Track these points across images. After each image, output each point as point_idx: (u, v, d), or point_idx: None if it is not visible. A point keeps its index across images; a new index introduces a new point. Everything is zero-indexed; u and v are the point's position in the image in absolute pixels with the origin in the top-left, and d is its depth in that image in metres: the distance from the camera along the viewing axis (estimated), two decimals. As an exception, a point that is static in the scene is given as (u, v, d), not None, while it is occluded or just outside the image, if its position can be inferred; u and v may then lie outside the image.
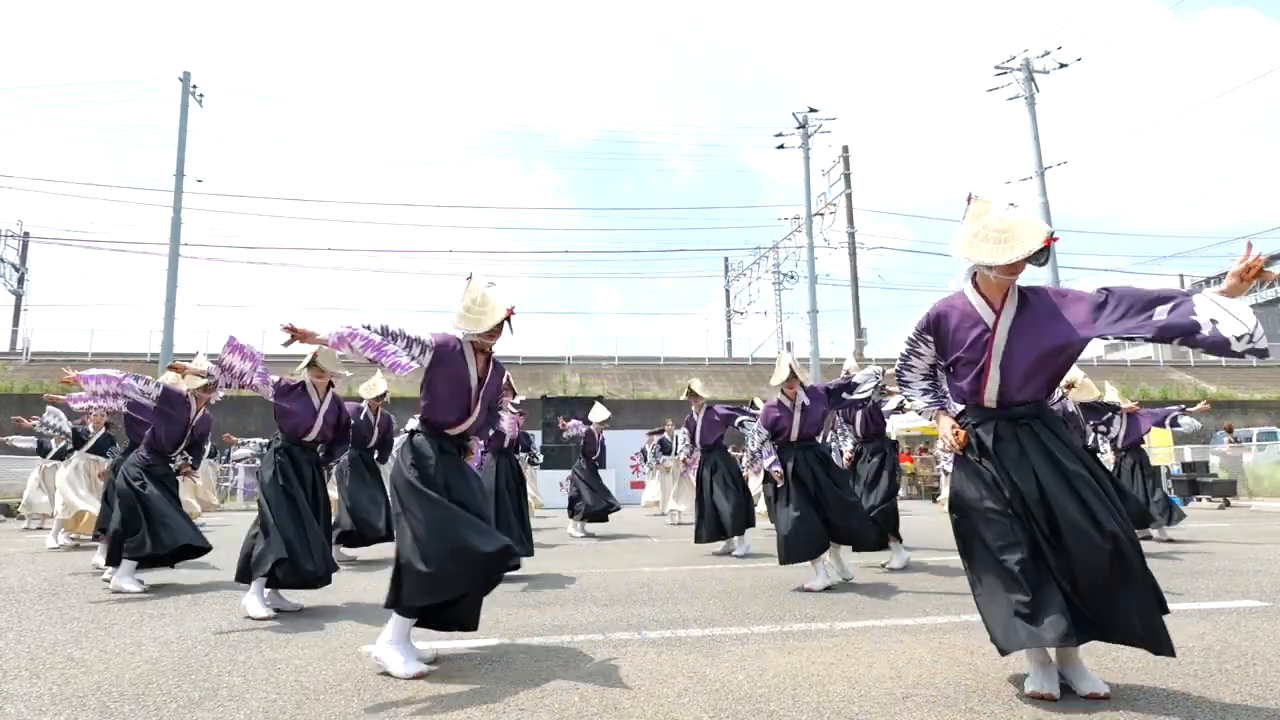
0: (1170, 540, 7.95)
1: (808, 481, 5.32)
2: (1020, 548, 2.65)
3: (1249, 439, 20.36)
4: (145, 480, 5.46)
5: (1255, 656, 3.15)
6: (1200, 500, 14.22)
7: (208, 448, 5.61)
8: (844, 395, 5.59)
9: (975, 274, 2.88)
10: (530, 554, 6.30)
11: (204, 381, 5.41)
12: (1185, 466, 14.56)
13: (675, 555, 7.34)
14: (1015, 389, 2.81)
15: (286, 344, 3.36)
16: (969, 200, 2.91)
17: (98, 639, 3.76)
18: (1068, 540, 2.60)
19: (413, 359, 3.27)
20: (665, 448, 12.86)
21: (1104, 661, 3.06)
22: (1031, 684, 2.66)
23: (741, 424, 6.84)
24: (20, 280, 32.56)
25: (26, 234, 32.52)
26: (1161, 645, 2.50)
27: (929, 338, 3.02)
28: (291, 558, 4.31)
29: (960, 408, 3.01)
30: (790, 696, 2.69)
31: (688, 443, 8.17)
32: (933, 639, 3.55)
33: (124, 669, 3.17)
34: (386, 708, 2.64)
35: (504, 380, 3.78)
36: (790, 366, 5.43)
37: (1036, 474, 2.72)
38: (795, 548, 5.14)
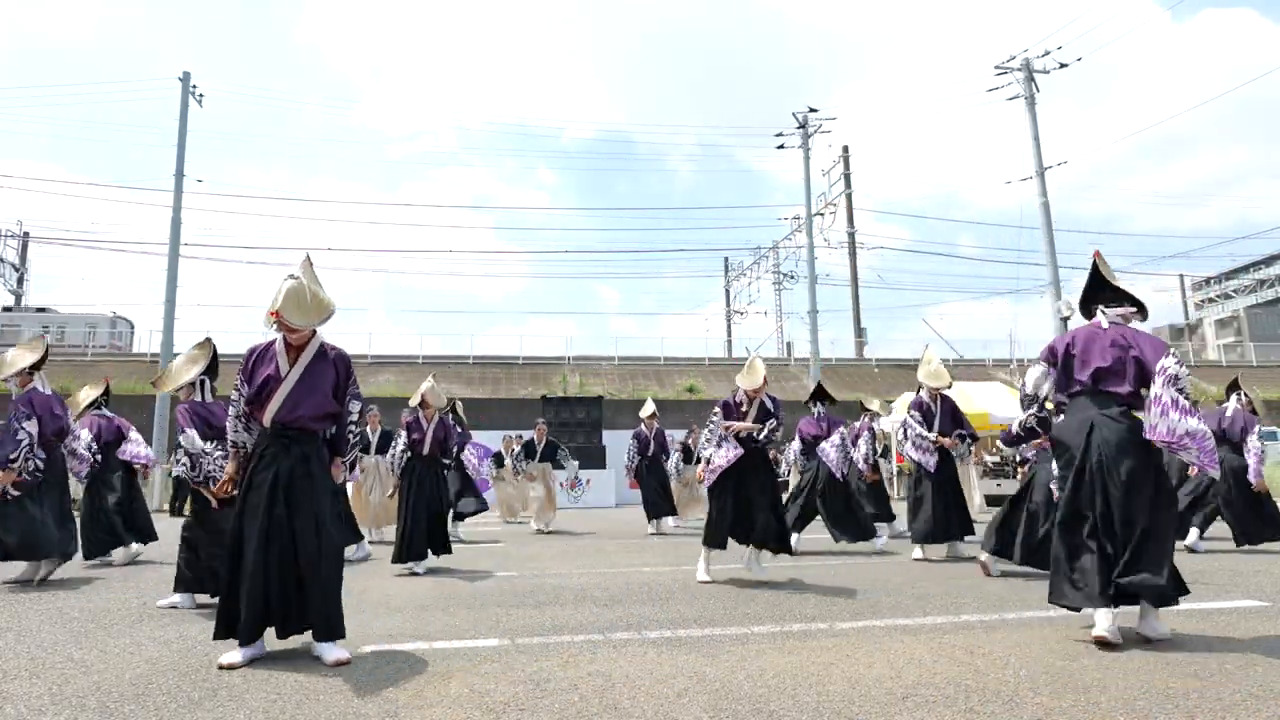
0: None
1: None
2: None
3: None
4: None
5: (1255, 656, 3.15)
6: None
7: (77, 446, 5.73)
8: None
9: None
10: (431, 554, 6.48)
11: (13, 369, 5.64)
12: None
13: (675, 555, 7.34)
14: None
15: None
16: (1096, 255, 4.04)
17: (98, 639, 3.75)
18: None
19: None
20: (687, 456, 11.66)
21: (1104, 661, 3.07)
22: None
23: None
24: (20, 280, 32.60)
25: (26, 234, 32.58)
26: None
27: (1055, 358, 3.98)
28: None
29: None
30: (790, 696, 2.69)
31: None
32: (933, 639, 3.55)
33: (124, 669, 3.17)
34: (387, 708, 2.64)
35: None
36: (764, 375, 5.59)
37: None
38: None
